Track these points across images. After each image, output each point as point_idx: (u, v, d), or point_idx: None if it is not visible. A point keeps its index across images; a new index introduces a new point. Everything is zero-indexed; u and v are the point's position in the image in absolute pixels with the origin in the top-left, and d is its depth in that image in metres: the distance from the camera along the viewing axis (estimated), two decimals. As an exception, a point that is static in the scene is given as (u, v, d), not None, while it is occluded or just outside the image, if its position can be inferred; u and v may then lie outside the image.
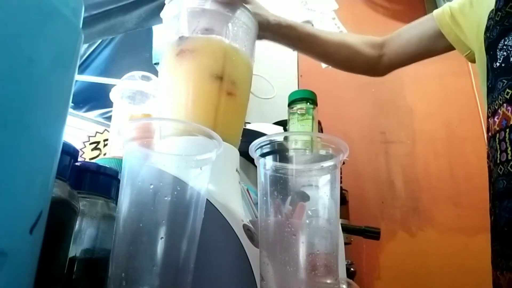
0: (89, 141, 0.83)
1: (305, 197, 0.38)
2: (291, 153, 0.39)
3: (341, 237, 0.92)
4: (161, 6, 0.60)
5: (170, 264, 0.32)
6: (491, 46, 0.54)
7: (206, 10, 0.54)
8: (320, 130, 1.02)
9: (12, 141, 0.20)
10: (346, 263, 1.01)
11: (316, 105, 0.69)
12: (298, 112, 0.67)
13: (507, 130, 0.49)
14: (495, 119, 0.52)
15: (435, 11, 0.76)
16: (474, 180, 1.61)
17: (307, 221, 0.38)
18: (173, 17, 0.56)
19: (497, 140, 0.51)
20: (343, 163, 0.41)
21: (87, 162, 0.73)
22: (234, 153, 0.51)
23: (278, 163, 0.38)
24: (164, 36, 0.58)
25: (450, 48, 0.74)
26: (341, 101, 1.79)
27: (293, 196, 0.38)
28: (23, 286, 0.21)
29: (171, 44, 0.53)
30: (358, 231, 0.95)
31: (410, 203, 1.65)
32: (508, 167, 0.48)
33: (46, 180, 0.23)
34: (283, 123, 1.10)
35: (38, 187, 0.22)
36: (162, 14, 0.58)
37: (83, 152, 0.82)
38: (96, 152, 0.83)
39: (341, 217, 1.17)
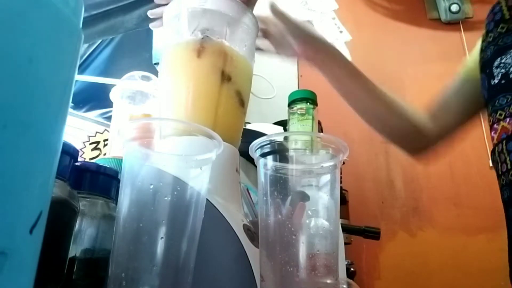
0: (89, 141, 0.83)
1: (305, 197, 0.38)
2: (291, 153, 0.39)
3: (341, 237, 0.92)
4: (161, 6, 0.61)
5: (170, 264, 0.32)
6: (486, 65, 0.55)
7: (207, 10, 0.54)
8: (320, 130, 1.02)
9: (12, 141, 0.20)
10: (346, 263, 1.01)
11: (316, 105, 0.69)
12: (298, 112, 0.67)
13: (504, 141, 0.49)
14: (493, 134, 0.52)
15: (462, 70, 0.69)
16: (474, 180, 1.61)
17: (307, 221, 0.38)
18: (173, 17, 0.56)
19: (496, 152, 0.52)
20: (343, 163, 0.41)
21: (87, 162, 0.73)
22: (234, 153, 0.51)
23: (278, 163, 0.38)
24: (163, 36, 0.58)
25: None
26: (341, 101, 1.78)
27: (293, 196, 0.38)
28: (23, 286, 0.21)
29: (175, 44, 0.54)
30: (358, 231, 0.95)
31: (410, 203, 1.65)
32: (509, 176, 0.49)
33: (46, 180, 0.23)
34: (283, 123, 1.10)
35: (38, 187, 0.22)
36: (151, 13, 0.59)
37: (83, 152, 0.82)
38: (96, 152, 0.83)
39: (341, 217, 1.17)
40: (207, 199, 0.37)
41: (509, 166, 0.48)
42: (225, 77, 0.51)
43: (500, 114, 0.51)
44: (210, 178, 0.37)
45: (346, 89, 0.68)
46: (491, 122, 0.54)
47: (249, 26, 0.57)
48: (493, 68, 0.53)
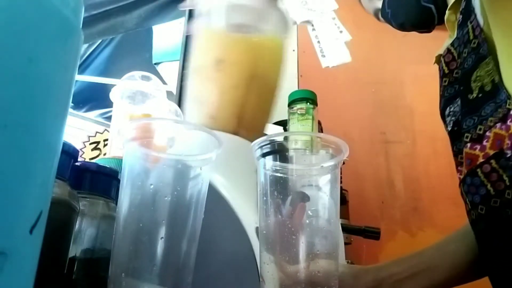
0: (89, 141, 0.83)
1: (305, 198, 0.38)
2: (291, 153, 0.39)
3: (341, 237, 0.92)
4: (161, 6, 0.61)
5: (170, 264, 0.32)
6: (442, 115, 0.59)
7: (242, 6, 0.54)
8: (320, 130, 1.02)
9: (12, 141, 0.20)
10: (346, 263, 1.01)
11: (316, 105, 0.69)
12: (298, 112, 0.67)
13: (461, 184, 0.51)
14: (459, 175, 0.54)
15: None
16: (474, 180, 1.61)
17: (307, 221, 0.38)
18: (208, 11, 0.56)
19: (460, 192, 0.53)
20: (343, 163, 0.41)
21: (87, 162, 0.73)
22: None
23: (278, 163, 0.38)
24: (195, 26, 0.57)
25: None
26: (341, 101, 1.78)
27: (293, 196, 0.38)
28: (23, 286, 0.21)
29: (208, 29, 0.54)
30: (358, 231, 0.95)
31: (410, 203, 1.65)
32: (472, 216, 0.50)
33: (46, 180, 0.23)
34: (283, 123, 1.10)
35: (38, 187, 0.22)
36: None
37: (83, 152, 0.82)
38: (96, 152, 0.83)
39: (341, 217, 1.17)
40: (225, 198, 0.37)
41: (469, 206, 0.50)
42: (253, 76, 0.51)
43: (461, 158, 0.54)
44: (231, 178, 0.37)
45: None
46: (455, 166, 0.57)
47: (282, 24, 0.57)
48: (446, 117, 0.58)
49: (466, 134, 0.50)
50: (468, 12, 0.54)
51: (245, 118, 0.49)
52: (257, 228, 0.43)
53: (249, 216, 0.43)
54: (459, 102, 0.54)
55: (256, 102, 0.51)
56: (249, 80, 0.50)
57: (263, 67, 0.52)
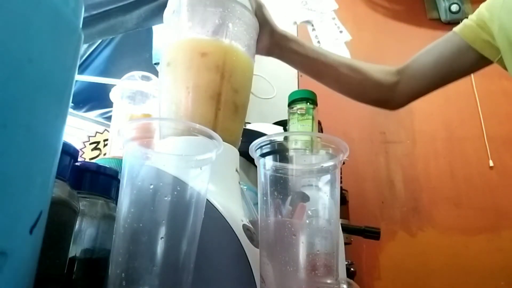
0: (89, 141, 0.83)
1: (305, 198, 0.38)
2: (291, 153, 0.39)
3: (341, 237, 0.92)
4: (161, 6, 0.61)
5: (170, 264, 0.32)
6: None
7: (207, 9, 0.53)
8: (320, 130, 1.02)
9: (12, 141, 0.20)
10: (346, 263, 1.01)
11: (316, 105, 0.69)
12: (298, 112, 0.67)
13: None
14: None
15: (455, 28, 0.77)
16: (474, 180, 1.61)
17: (307, 221, 0.38)
18: (172, 14, 0.56)
19: None
20: (343, 163, 0.41)
21: (87, 162, 0.73)
22: (234, 153, 0.51)
23: (278, 163, 0.38)
24: (164, 34, 0.58)
25: (482, 61, 0.72)
26: (341, 101, 1.78)
27: (293, 196, 0.38)
28: (23, 286, 0.21)
29: (175, 42, 0.54)
30: (358, 231, 0.95)
31: (410, 203, 1.65)
32: None
33: (46, 180, 0.23)
34: (283, 123, 1.10)
35: (38, 187, 0.22)
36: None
37: (83, 152, 0.82)
38: (96, 152, 0.83)
39: (341, 217, 1.17)
40: (207, 199, 0.37)
41: None
42: (225, 77, 0.51)
43: None
44: (210, 178, 0.37)
45: (307, 68, 0.77)
46: None
47: (249, 26, 0.57)
48: None
49: None
50: None
51: (219, 119, 0.50)
52: (244, 226, 0.43)
53: (234, 214, 0.43)
54: None
55: (228, 105, 0.51)
56: (220, 81, 0.50)
57: (231, 65, 0.52)
